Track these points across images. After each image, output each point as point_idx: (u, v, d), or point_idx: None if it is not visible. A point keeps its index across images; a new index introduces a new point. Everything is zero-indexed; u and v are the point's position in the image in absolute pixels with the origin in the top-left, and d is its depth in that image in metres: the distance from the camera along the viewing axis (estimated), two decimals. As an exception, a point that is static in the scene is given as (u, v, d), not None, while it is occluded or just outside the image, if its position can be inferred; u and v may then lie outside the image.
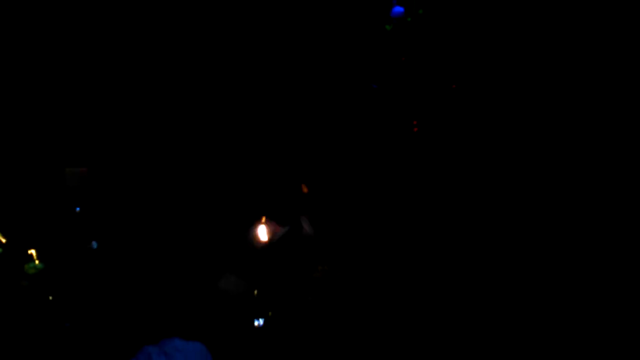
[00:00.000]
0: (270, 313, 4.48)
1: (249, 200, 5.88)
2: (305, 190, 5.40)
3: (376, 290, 4.87)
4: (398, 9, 5.91)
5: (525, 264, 5.05)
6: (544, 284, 4.78)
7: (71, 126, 6.01)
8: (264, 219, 5.25)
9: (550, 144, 5.65)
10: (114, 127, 6.13)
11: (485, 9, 5.94)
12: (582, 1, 5.67)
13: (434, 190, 5.76)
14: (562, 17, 5.74)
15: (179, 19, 6.26)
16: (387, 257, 5.30)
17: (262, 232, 5.22)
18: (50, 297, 4.49)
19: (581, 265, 4.91)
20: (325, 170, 5.81)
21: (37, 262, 4.72)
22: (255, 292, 4.51)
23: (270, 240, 5.15)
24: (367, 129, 6.04)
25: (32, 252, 4.78)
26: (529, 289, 4.75)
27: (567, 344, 4.14)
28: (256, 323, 4.35)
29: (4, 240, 4.78)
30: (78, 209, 5.35)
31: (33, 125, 5.91)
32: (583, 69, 5.65)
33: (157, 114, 6.22)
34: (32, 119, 5.92)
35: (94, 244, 5.07)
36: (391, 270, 5.13)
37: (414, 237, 5.47)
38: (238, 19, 6.25)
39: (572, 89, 5.68)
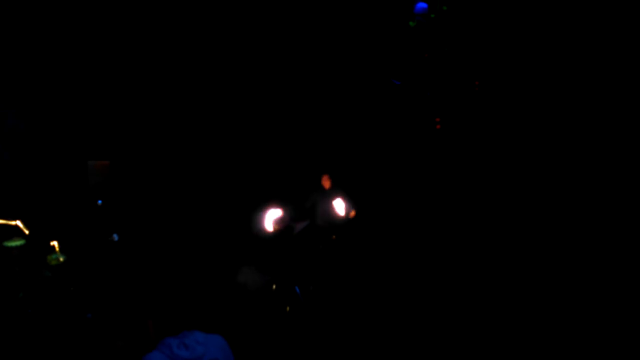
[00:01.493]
0: (288, 308, 4.48)
1: (268, 195, 5.88)
2: (327, 185, 5.37)
3: (393, 287, 4.86)
4: (422, 5, 5.86)
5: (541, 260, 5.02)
6: (548, 284, 4.77)
7: (94, 122, 6.07)
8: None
9: (573, 140, 5.58)
10: (136, 123, 6.17)
11: (509, 6, 5.88)
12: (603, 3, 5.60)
13: (455, 185, 5.72)
14: (582, 15, 5.66)
15: (204, 25, 6.29)
16: (406, 253, 5.28)
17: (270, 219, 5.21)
18: (72, 288, 4.53)
19: (584, 265, 4.88)
20: (347, 165, 5.78)
21: (59, 253, 4.77)
22: (274, 286, 4.51)
23: (289, 232, 5.15)
24: (389, 125, 6.01)
25: (55, 243, 4.82)
26: (534, 288, 4.74)
27: (567, 343, 4.12)
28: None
29: (27, 232, 4.84)
30: (100, 202, 5.39)
31: (57, 122, 5.98)
32: (606, 66, 5.57)
33: (179, 111, 6.26)
34: (56, 115, 5.98)
35: (115, 237, 5.11)
36: (407, 266, 5.12)
37: (433, 231, 5.44)
38: (262, 19, 6.26)
39: (595, 85, 5.60)
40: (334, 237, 5.24)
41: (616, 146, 5.44)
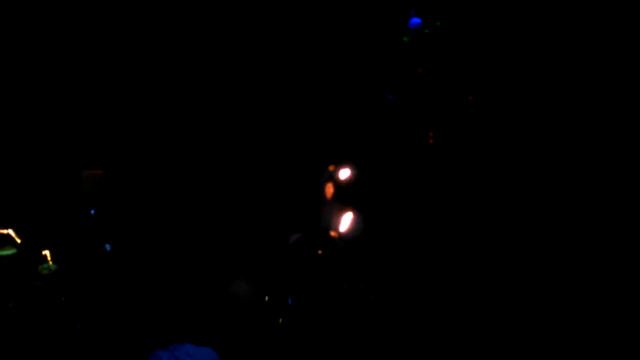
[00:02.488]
0: (280, 320, 4.47)
1: (262, 207, 5.88)
2: (330, 191, 5.34)
3: (390, 294, 4.86)
4: (415, 21, 5.91)
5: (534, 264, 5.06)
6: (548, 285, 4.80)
7: (87, 131, 6.06)
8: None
9: (566, 155, 5.62)
10: (130, 133, 6.17)
11: (502, 22, 5.93)
12: (601, 19, 5.66)
13: (448, 200, 5.74)
14: (577, 31, 5.72)
15: (209, 31, 6.31)
16: (400, 267, 5.29)
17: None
18: (63, 298, 4.51)
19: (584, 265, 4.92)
20: (340, 178, 5.79)
21: (50, 263, 4.76)
22: (266, 297, 4.51)
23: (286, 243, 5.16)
24: (382, 139, 6.03)
25: (46, 253, 4.81)
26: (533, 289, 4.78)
27: (567, 344, 4.15)
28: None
29: (19, 241, 4.82)
30: (93, 211, 5.38)
31: (50, 130, 5.97)
32: (605, 86, 5.61)
33: (173, 122, 6.26)
34: (49, 124, 5.98)
35: (108, 247, 5.09)
36: (403, 273, 5.13)
37: (426, 244, 5.46)
38: (265, 36, 6.29)
39: (592, 104, 5.64)
40: (320, 252, 5.21)
41: (612, 165, 5.49)
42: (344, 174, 5.30)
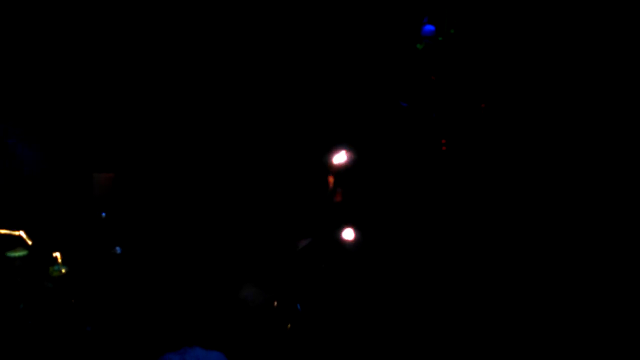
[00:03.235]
0: (289, 325, 4.46)
1: (272, 212, 5.89)
2: (338, 197, 5.37)
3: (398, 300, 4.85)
4: (429, 28, 5.90)
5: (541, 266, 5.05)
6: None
7: (98, 134, 6.09)
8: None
9: (580, 163, 5.59)
10: (141, 136, 6.20)
11: (516, 30, 5.92)
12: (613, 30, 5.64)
13: (461, 206, 5.72)
14: (594, 41, 5.70)
15: (208, 36, 6.34)
16: (409, 275, 5.28)
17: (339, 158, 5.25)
18: (73, 300, 4.53)
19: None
20: (353, 187, 5.80)
21: (61, 265, 4.77)
22: (275, 303, 4.50)
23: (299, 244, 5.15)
24: (396, 146, 6.03)
25: (57, 255, 4.83)
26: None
27: (567, 344, 4.13)
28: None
29: (30, 243, 4.85)
30: (103, 214, 5.40)
31: (62, 133, 6.01)
32: (625, 94, 5.58)
33: (185, 125, 6.29)
34: (60, 127, 6.01)
35: (118, 249, 5.11)
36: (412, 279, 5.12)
37: (439, 249, 5.44)
38: (279, 43, 6.31)
39: (607, 113, 5.62)
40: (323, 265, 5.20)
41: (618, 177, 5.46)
42: (340, 157, 5.32)
